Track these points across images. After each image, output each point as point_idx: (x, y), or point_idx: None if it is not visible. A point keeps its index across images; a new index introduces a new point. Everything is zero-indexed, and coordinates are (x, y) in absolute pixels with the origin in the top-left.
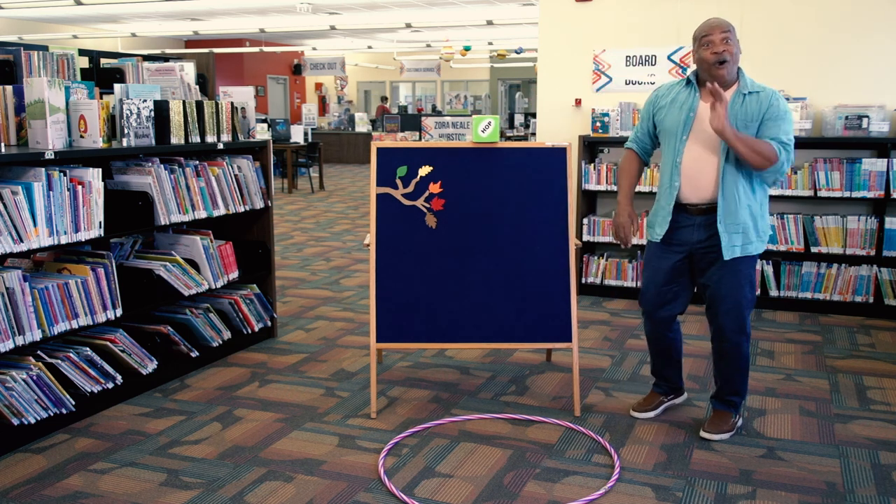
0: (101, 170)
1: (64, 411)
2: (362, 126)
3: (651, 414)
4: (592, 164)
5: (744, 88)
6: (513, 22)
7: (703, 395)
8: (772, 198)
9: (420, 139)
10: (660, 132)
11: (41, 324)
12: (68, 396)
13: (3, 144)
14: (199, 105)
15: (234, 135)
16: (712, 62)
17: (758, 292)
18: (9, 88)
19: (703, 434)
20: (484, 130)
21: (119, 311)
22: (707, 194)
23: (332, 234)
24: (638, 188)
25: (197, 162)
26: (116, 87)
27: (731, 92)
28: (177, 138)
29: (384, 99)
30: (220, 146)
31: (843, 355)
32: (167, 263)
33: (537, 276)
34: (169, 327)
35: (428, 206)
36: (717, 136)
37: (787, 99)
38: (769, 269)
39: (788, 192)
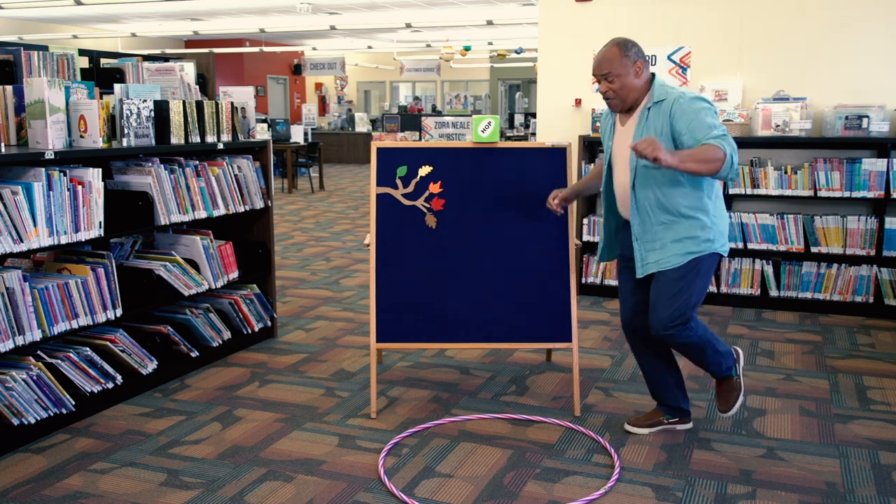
0: (101, 170)
1: (64, 411)
2: (362, 126)
3: (645, 431)
4: (592, 164)
5: (648, 102)
6: (513, 22)
7: (704, 395)
8: (772, 198)
9: (420, 139)
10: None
11: (41, 324)
12: (68, 396)
13: (3, 144)
14: (199, 105)
15: (234, 135)
16: (603, 97)
17: (757, 292)
18: (9, 88)
19: (721, 413)
20: (484, 130)
21: (119, 311)
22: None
23: (332, 234)
24: None
25: (197, 162)
26: (116, 87)
27: (640, 110)
28: (177, 138)
29: (416, 99)
30: (220, 146)
31: (843, 355)
32: (167, 263)
33: (537, 276)
34: (169, 327)
35: (428, 206)
36: (628, 158)
37: (787, 99)
38: (769, 269)
39: (788, 192)
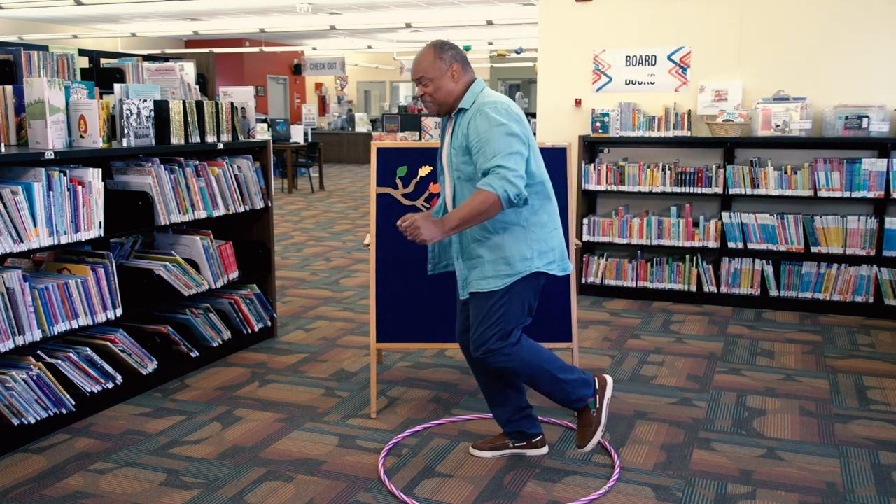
0: (101, 170)
1: (64, 411)
2: (362, 126)
3: (489, 454)
4: (592, 164)
5: (463, 105)
6: (513, 22)
7: (703, 396)
8: (772, 198)
9: (420, 139)
10: None
11: (41, 324)
12: (68, 396)
13: (3, 144)
14: (199, 105)
15: (234, 135)
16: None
17: (757, 292)
18: (9, 88)
19: (578, 448)
20: None
21: (119, 311)
22: None
23: (332, 234)
24: (637, 188)
25: (197, 162)
26: (116, 87)
27: (457, 114)
28: (177, 138)
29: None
30: (220, 146)
31: (843, 355)
32: (167, 263)
33: None
34: (169, 327)
35: (428, 206)
36: (447, 166)
37: (787, 99)
38: (769, 269)
39: (788, 192)
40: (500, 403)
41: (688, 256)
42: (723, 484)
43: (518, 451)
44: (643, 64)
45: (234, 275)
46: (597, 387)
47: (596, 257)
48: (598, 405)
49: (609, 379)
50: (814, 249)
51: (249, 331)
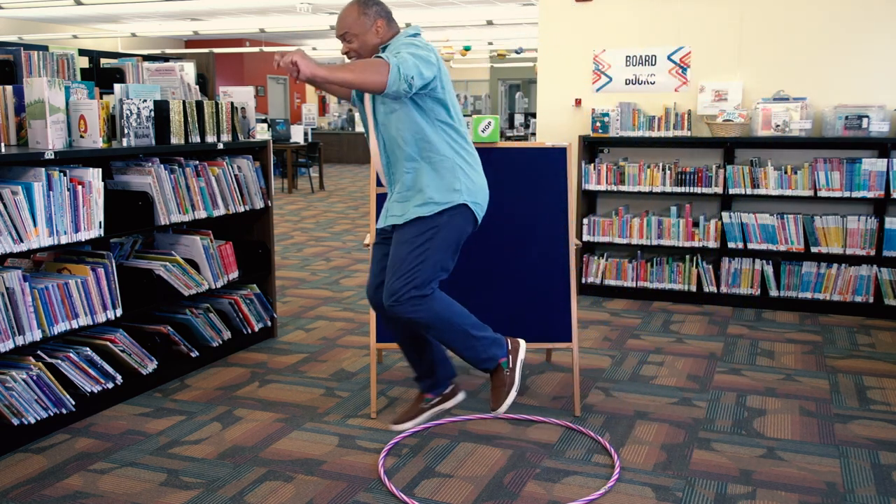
0: (101, 170)
1: (64, 411)
2: (362, 126)
3: (410, 425)
4: (592, 164)
5: (383, 49)
6: (513, 22)
7: (704, 396)
8: (772, 198)
9: None
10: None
11: (41, 324)
12: (68, 396)
13: (3, 144)
14: (199, 105)
15: (234, 135)
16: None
17: (757, 292)
18: (9, 88)
19: (491, 411)
20: (484, 130)
21: (119, 311)
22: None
23: (332, 234)
24: (637, 188)
25: (197, 162)
26: (116, 87)
27: None
28: (177, 138)
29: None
30: (220, 146)
31: (843, 355)
32: (167, 263)
33: (537, 276)
34: (169, 327)
35: None
36: (372, 128)
37: (787, 99)
38: (769, 269)
39: (788, 192)
40: (427, 361)
41: (688, 256)
42: (723, 484)
43: (437, 409)
44: (643, 64)
45: (234, 275)
46: (509, 347)
47: (596, 257)
48: (510, 365)
49: (522, 342)
50: (814, 249)
51: (249, 331)
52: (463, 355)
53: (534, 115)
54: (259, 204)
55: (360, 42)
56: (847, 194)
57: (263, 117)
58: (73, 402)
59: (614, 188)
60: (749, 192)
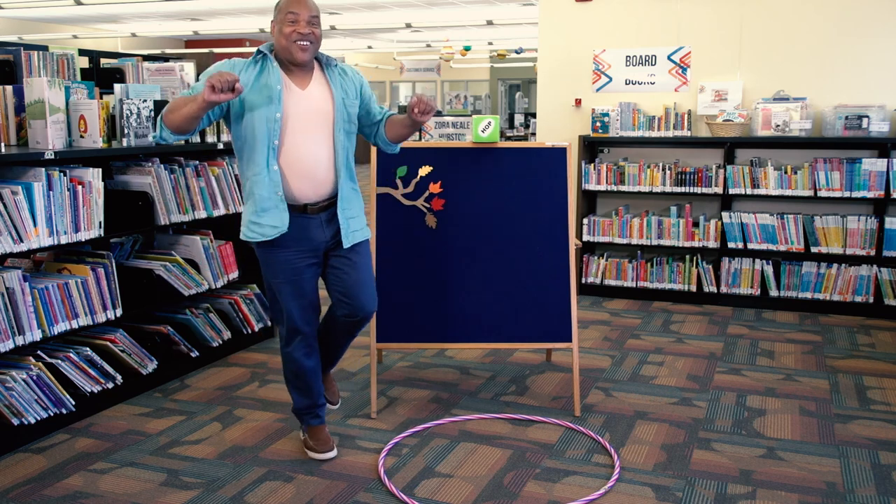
0: (101, 170)
1: (64, 411)
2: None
3: (334, 453)
4: (592, 164)
5: (331, 63)
6: (513, 22)
7: (704, 396)
8: (772, 198)
9: (420, 139)
10: (239, 118)
11: (41, 324)
12: (68, 396)
13: (3, 144)
14: None
15: None
16: (294, 40)
17: (757, 292)
18: (9, 88)
19: (330, 407)
20: (484, 130)
21: (119, 311)
22: (327, 189)
23: None
24: (637, 188)
25: (197, 162)
26: (116, 87)
27: (318, 70)
28: None
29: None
30: (220, 146)
31: (843, 355)
32: (167, 263)
33: (537, 276)
34: (169, 327)
35: (428, 206)
36: (322, 121)
37: (787, 99)
38: (769, 269)
39: (788, 192)
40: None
41: (688, 256)
42: (723, 484)
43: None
44: (643, 64)
45: (234, 275)
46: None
47: (596, 257)
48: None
49: None
50: (814, 249)
51: (249, 331)
52: (339, 355)
53: (534, 115)
54: None
55: (319, 32)
56: (847, 194)
57: None
58: (73, 402)
59: (614, 188)
60: (749, 192)
